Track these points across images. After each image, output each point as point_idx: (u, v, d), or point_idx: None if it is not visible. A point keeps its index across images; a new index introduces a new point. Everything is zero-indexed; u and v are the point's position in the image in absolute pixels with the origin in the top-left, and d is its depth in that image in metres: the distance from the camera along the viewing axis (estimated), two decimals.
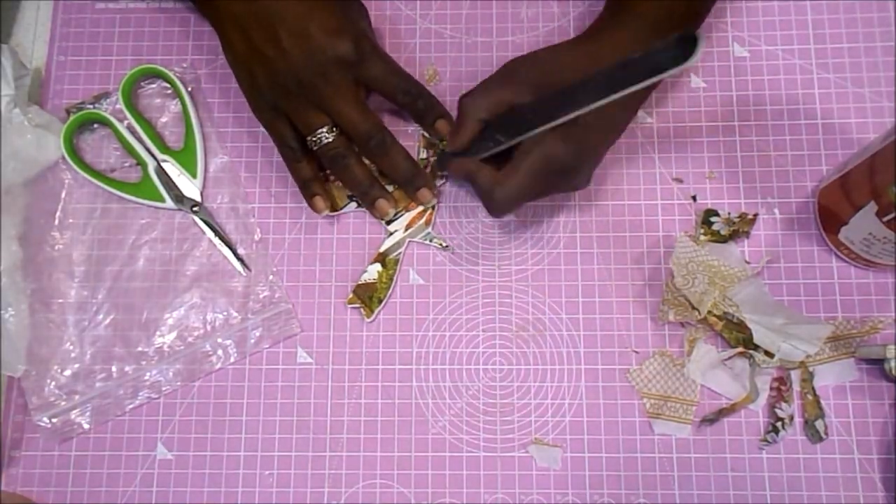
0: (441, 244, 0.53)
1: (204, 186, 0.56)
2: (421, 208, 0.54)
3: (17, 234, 0.54)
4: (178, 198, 0.55)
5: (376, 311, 0.52)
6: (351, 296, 0.52)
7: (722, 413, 0.49)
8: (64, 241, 0.55)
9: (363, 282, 0.52)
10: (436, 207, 0.54)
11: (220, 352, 0.53)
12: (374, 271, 0.53)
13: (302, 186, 0.52)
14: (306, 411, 0.52)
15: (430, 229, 0.53)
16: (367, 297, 0.52)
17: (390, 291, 0.52)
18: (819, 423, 0.49)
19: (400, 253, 0.53)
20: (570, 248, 0.53)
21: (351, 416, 0.51)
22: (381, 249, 0.53)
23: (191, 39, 0.58)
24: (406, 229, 0.53)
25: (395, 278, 0.53)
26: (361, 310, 0.52)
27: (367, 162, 0.53)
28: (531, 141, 0.46)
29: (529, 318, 0.52)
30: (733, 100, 0.55)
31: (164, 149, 0.56)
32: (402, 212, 0.54)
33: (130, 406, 0.52)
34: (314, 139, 0.50)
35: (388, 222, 0.54)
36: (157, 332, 0.53)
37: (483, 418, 0.51)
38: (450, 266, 0.53)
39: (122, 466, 0.51)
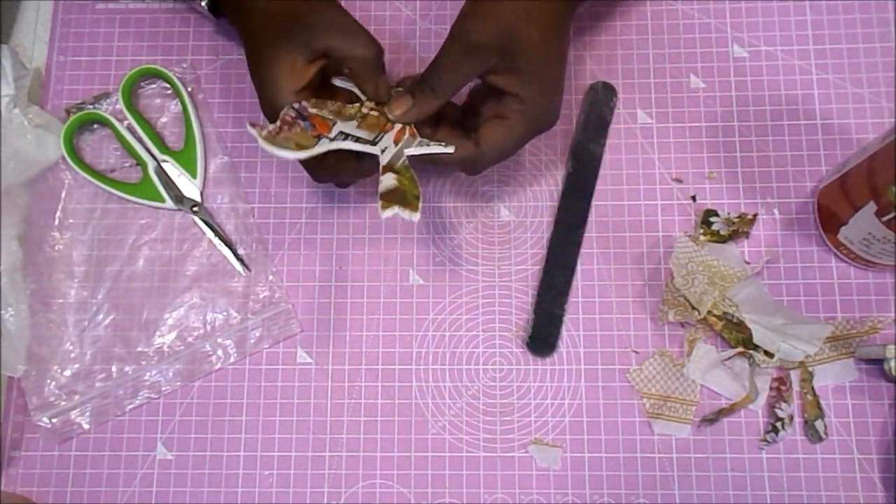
0: (442, 145, 0.47)
1: (204, 186, 0.56)
2: (398, 127, 0.48)
3: (17, 234, 0.54)
4: (178, 198, 0.55)
5: (420, 207, 0.45)
6: (382, 203, 0.45)
7: (722, 413, 0.49)
8: (64, 241, 0.55)
9: (386, 189, 0.45)
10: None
11: (220, 352, 0.53)
12: (390, 178, 0.46)
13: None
14: (306, 411, 0.52)
15: (419, 140, 0.48)
16: (402, 197, 0.45)
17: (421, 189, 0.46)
18: (819, 423, 0.49)
19: (405, 160, 0.47)
20: None
21: (351, 416, 0.51)
22: (383, 163, 0.46)
23: (191, 39, 0.58)
24: (395, 144, 0.48)
25: (416, 178, 0.47)
26: (401, 213, 0.44)
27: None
28: (512, 100, 0.45)
29: (529, 318, 0.52)
30: (733, 100, 0.55)
31: (164, 149, 0.56)
32: (381, 134, 0.48)
33: (130, 406, 0.52)
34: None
35: (374, 143, 0.48)
36: (157, 332, 0.53)
37: (483, 418, 0.51)
38: (450, 266, 0.53)
39: (122, 466, 0.51)
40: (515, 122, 0.46)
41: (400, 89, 0.49)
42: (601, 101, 0.55)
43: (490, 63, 0.45)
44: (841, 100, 0.54)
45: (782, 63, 0.55)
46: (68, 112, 0.57)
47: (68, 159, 0.55)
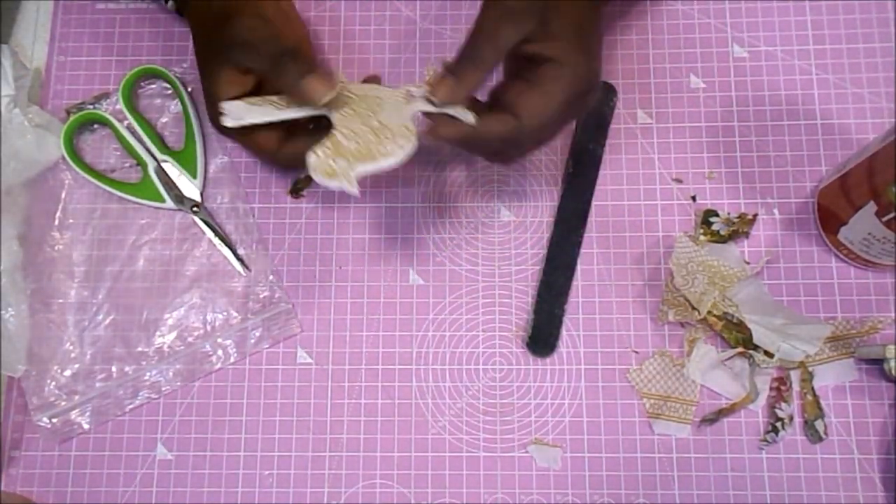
0: (461, 109, 0.45)
1: (204, 186, 0.56)
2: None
3: (17, 234, 0.54)
4: (178, 198, 0.55)
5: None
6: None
7: (722, 413, 0.49)
8: (64, 241, 0.55)
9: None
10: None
11: (220, 352, 0.53)
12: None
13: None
14: (306, 411, 0.52)
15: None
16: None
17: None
18: (819, 423, 0.49)
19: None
20: None
21: (351, 416, 0.51)
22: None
23: (191, 40, 0.58)
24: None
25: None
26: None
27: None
28: (549, 65, 0.43)
29: (529, 318, 0.52)
30: (733, 100, 0.55)
31: (164, 149, 0.56)
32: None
33: (130, 406, 0.52)
34: None
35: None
36: (157, 332, 0.53)
37: (483, 418, 0.51)
38: (450, 266, 0.53)
39: (122, 466, 0.51)
40: (553, 87, 0.43)
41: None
42: (601, 101, 0.55)
43: (528, 28, 0.43)
44: (841, 100, 0.54)
45: (782, 63, 0.55)
46: (68, 112, 0.57)
47: (68, 159, 0.55)
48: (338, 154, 0.45)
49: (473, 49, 0.44)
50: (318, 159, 0.44)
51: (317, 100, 0.45)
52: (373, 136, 0.45)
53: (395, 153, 0.44)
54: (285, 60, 0.45)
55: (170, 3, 0.54)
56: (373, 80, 0.49)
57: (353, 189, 0.43)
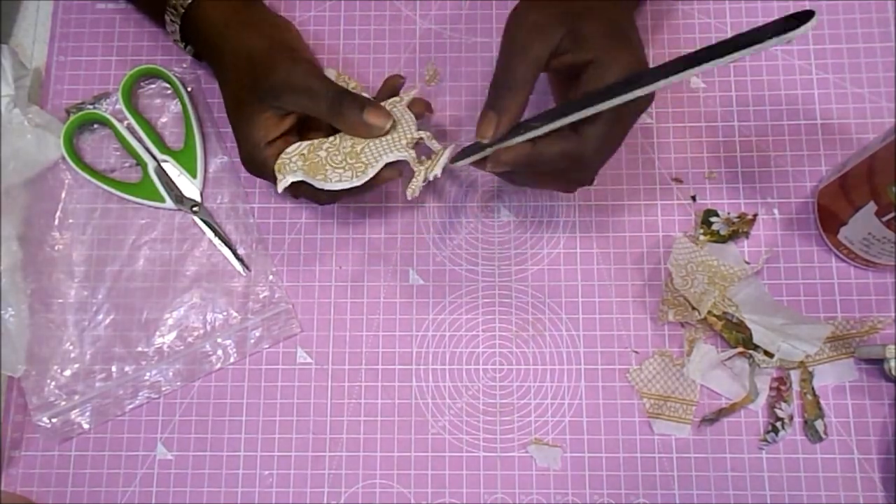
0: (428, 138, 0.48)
1: (204, 186, 0.56)
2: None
3: (17, 234, 0.54)
4: (178, 198, 0.55)
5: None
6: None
7: (722, 413, 0.49)
8: (64, 241, 0.55)
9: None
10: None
11: (219, 352, 0.53)
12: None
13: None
14: (306, 411, 0.52)
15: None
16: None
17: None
18: (818, 423, 0.49)
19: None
20: (570, 248, 0.53)
21: (351, 416, 0.51)
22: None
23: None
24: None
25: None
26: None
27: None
28: (591, 67, 0.42)
29: (529, 318, 0.52)
30: (733, 100, 0.55)
31: (164, 149, 0.56)
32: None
33: (130, 406, 0.52)
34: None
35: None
36: (157, 332, 0.53)
37: (483, 418, 0.51)
38: (450, 266, 0.53)
39: (122, 466, 0.51)
40: (600, 87, 0.41)
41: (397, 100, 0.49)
42: None
43: (556, 39, 0.42)
44: (841, 100, 0.54)
45: (782, 63, 0.55)
46: (68, 112, 0.57)
47: (68, 159, 0.55)
48: (309, 154, 0.48)
49: (506, 74, 0.43)
50: (294, 148, 0.48)
51: (380, 130, 0.47)
52: (341, 158, 0.47)
53: (331, 181, 0.47)
54: (344, 101, 0.47)
55: (188, 48, 0.54)
56: (394, 80, 0.51)
57: (278, 188, 0.47)
